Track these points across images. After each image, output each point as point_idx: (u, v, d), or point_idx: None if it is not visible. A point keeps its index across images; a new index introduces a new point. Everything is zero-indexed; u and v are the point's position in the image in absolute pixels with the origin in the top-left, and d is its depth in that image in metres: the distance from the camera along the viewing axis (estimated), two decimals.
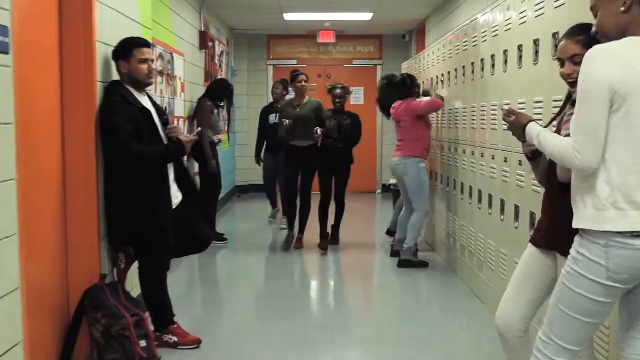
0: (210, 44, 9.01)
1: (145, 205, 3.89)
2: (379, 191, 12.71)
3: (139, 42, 4.05)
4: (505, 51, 4.66)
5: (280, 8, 9.61)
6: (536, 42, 4.04)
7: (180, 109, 7.47)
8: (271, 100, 9.23)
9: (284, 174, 7.71)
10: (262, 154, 8.94)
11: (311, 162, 7.23)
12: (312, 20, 10.78)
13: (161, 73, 6.51)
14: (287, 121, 7.01)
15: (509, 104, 4.19)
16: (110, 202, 3.95)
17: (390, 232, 7.81)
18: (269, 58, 12.62)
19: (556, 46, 3.03)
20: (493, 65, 4.99)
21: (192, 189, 4.31)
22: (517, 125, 2.61)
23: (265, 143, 8.84)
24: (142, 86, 4.04)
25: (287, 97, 8.51)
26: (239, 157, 12.13)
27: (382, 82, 7.43)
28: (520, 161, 4.28)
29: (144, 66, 3.98)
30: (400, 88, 6.67)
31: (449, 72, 6.63)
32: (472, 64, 5.62)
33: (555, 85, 3.73)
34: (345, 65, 12.70)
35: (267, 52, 12.62)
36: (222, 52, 10.60)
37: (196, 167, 7.96)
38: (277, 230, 8.47)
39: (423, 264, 6.52)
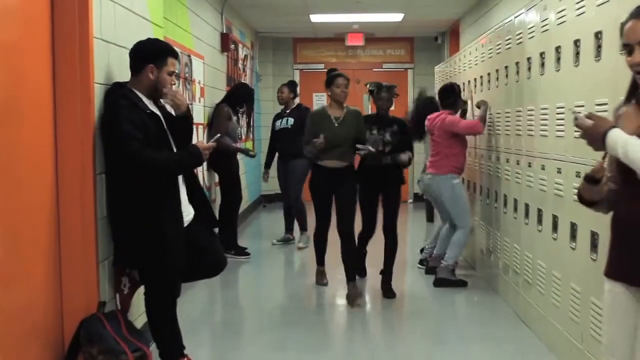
0: (232, 46, 8.57)
1: (153, 222, 3.42)
2: (411, 200, 12.17)
3: (174, 52, 3.67)
4: (558, 47, 4.12)
5: (306, 8, 9.14)
6: (598, 35, 3.50)
7: (200, 114, 7.02)
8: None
9: (312, 191, 5.73)
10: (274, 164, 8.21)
11: (348, 182, 5.56)
12: (340, 21, 10.30)
13: (177, 76, 6.06)
14: (320, 139, 5.29)
15: (579, 107, 3.56)
16: (113, 220, 3.50)
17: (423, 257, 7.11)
18: (295, 62, 12.18)
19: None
20: (542, 64, 4.45)
21: (203, 203, 3.82)
22: (596, 132, 2.09)
23: (276, 153, 8.14)
24: (157, 97, 3.60)
25: (296, 101, 7.94)
26: None
27: (417, 101, 6.94)
28: (578, 172, 3.73)
29: (170, 79, 3.57)
30: (442, 97, 6.15)
31: (488, 74, 6.10)
32: (517, 63, 5.08)
33: (624, 84, 3.20)
34: (374, 69, 12.20)
35: (293, 56, 12.17)
36: (245, 56, 10.17)
37: (216, 177, 7.52)
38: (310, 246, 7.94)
39: (461, 283, 5.98)
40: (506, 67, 5.42)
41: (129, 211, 3.42)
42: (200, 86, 7.04)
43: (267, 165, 8.27)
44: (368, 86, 6.07)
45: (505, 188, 5.45)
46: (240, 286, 6.57)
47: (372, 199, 5.84)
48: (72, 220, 3.34)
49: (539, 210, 4.51)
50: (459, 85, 6.25)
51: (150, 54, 3.53)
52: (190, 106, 6.48)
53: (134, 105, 3.38)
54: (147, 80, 3.49)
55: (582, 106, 3.52)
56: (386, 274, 5.90)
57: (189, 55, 6.56)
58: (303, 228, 7.90)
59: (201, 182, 7.00)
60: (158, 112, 3.56)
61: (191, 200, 3.73)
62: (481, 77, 6.34)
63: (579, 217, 3.77)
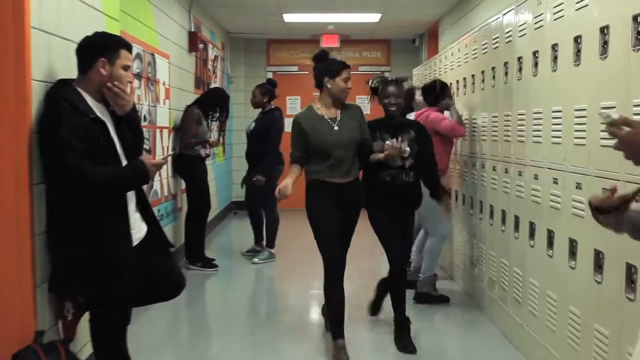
0: (201, 46, 8.11)
1: (98, 240, 2.97)
2: None
3: (127, 44, 3.17)
4: (555, 45, 3.74)
5: (278, 7, 8.73)
6: (604, 30, 3.13)
7: (164, 118, 6.56)
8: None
9: (314, 221, 4.43)
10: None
11: (357, 203, 4.44)
12: (315, 21, 9.90)
13: (138, 76, 5.61)
14: (280, 193, 4.26)
15: (606, 109, 3.14)
16: (53, 239, 3.04)
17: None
18: (268, 64, 11.75)
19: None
20: (535, 64, 4.08)
21: (152, 221, 3.35)
22: (636, 141, 1.68)
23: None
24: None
25: (271, 104, 7.37)
26: (236, 170, 11.22)
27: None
28: (579, 184, 3.36)
29: (126, 74, 3.10)
30: (424, 95, 5.77)
31: (472, 76, 5.74)
32: (505, 64, 4.71)
33: (637, 83, 2.83)
34: (350, 72, 11.74)
35: (266, 58, 11.75)
36: (216, 57, 9.72)
37: (182, 184, 7.07)
38: (279, 254, 7.49)
39: (443, 299, 5.59)
40: (493, 67, 5.05)
41: (69, 228, 2.97)
42: (166, 87, 6.59)
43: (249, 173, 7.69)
44: (370, 83, 4.84)
45: (491, 198, 5.08)
46: (207, 302, 6.12)
47: (395, 220, 4.65)
48: (5, 237, 2.89)
49: (531, 224, 4.13)
50: (444, 83, 5.83)
51: (99, 47, 3.08)
52: (153, 108, 6.14)
53: (74, 107, 2.92)
54: (97, 78, 3.04)
55: (613, 107, 3.07)
56: (402, 322, 4.62)
57: (153, 54, 6.11)
58: (269, 244, 7.41)
59: (166, 190, 6.55)
60: (104, 118, 3.09)
61: (142, 215, 3.28)
62: (464, 79, 5.98)
63: (579, 233, 3.40)
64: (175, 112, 6.93)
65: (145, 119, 5.82)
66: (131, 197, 3.17)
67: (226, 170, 10.71)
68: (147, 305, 3.81)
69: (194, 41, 7.72)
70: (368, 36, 11.40)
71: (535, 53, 4.08)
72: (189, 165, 6.79)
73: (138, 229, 3.18)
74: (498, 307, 4.86)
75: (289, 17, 9.47)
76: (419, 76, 8.78)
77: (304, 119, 4.33)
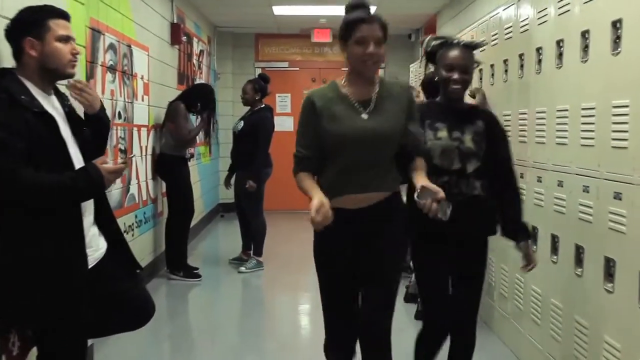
0: (184, 38, 7.58)
1: (44, 263, 2.45)
2: None
3: (56, 11, 2.61)
4: (585, 32, 3.25)
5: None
6: None
7: (143, 115, 6.03)
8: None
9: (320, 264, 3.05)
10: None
11: (396, 229, 2.82)
12: (306, 14, 9.38)
13: (112, 69, 5.09)
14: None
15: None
16: None
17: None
18: (256, 60, 11.22)
19: None
20: (560, 55, 3.59)
21: (116, 236, 2.83)
22: None
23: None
24: (57, 78, 2.62)
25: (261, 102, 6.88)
26: (223, 171, 10.65)
27: None
28: (618, 194, 2.87)
29: (66, 47, 2.56)
30: (432, 89, 5.18)
31: (479, 71, 5.25)
32: (521, 56, 4.23)
33: None
34: (342, 69, 11.14)
35: (254, 53, 11.21)
36: (201, 51, 9.19)
37: (163, 186, 6.55)
38: (266, 261, 6.97)
39: None
40: (505, 60, 4.57)
41: (10, 249, 2.44)
42: (144, 82, 6.06)
43: (230, 171, 7.14)
44: (425, 45, 3.20)
45: None
46: (189, 316, 5.60)
47: (453, 270, 3.11)
48: None
49: (554, 237, 3.64)
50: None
51: (21, 26, 2.53)
52: (130, 105, 5.61)
53: (14, 100, 2.40)
54: (32, 62, 2.52)
55: (625, 106, 2.63)
56: None
57: (129, 45, 5.58)
58: (256, 252, 6.89)
59: (145, 193, 6.03)
60: (55, 112, 2.57)
61: (102, 229, 2.76)
62: None
63: (618, 250, 2.91)
64: (155, 109, 6.41)
65: (120, 116, 5.29)
66: (88, 207, 2.65)
67: (212, 170, 10.18)
68: (109, 335, 3.29)
69: (177, 33, 7.20)
70: None
71: (559, 42, 3.59)
72: (170, 167, 6.28)
73: (95, 247, 2.66)
74: (511, 327, 4.37)
75: (278, 10, 8.96)
76: (417, 72, 8.30)
77: (321, 100, 2.81)
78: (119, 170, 2.55)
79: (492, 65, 4.87)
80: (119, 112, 5.27)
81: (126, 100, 5.47)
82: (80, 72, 4.19)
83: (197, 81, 8.81)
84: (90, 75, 4.57)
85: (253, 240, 6.90)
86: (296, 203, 11.39)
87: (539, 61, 3.91)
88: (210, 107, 6.52)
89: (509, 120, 4.42)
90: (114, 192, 5.11)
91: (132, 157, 3.27)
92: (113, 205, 5.11)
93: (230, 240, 8.05)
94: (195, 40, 8.70)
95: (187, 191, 6.43)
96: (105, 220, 2.74)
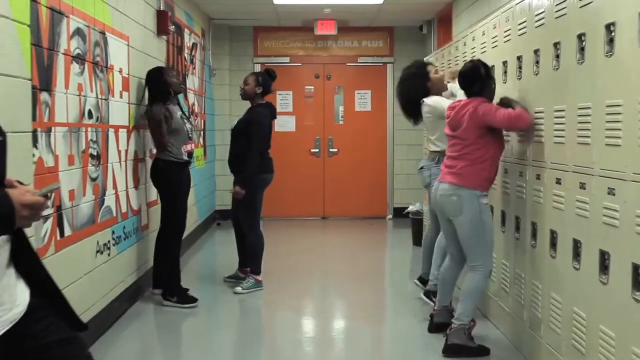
0: (172, 28, 6.75)
1: None
2: (390, 216, 10.47)
3: None
4: None
5: None
6: None
7: (121, 114, 5.21)
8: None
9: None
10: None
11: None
12: (308, 4, 8.57)
13: (80, 59, 4.26)
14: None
15: None
16: None
17: (424, 281, 5.57)
18: (255, 54, 10.38)
19: None
20: (610, 41, 2.82)
21: (46, 283, 1.99)
22: None
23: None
24: None
25: (261, 96, 6.03)
26: (219, 175, 9.87)
27: (408, 71, 5.37)
28: None
29: None
30: (465, 85, 4.38)
31: (503, 63, 4.59)
32: (557, 45, 3.49)
33: None
34: (348, 64, 10.46)
35: (253, 48, 10.37)
36: (194, 45, 8.36)
37: (150, 195, 5.74)
38: (266, 281, 6.14)
39: (482, 351, 4.26)
40: (536, 51, 3.83)
41: None
42: (123, 76, 5.24)
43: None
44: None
45: (539, 216, 3.85)
46: (180, 348, 4.75)
47: None
48: None
49: (603, 253, 2.91)
50: (486, 65, 4.40)
51: None
52: (104, 102, 4.78)
53: None
54: None
55: None
56: None
57: (103, 32, 4.75)
58: (253, 270, 6.04)
59: (125, 205, 5.21)
60: None
61: (26, 277, 1.92)
62: (493, 66, 4.67)
63: None
64: (134, 107, 5.58)
65: (90, 115, 4.47)
66: (1, 246, 1.82)
67: (207, 175, 9.35)
68: None
69: (164, 22, 6.37)
70: (369, 23, 10.07)
71: (610, 27, 2.81)
72: (165, 174, 5.42)
73: (11, 302, 1.83)
74: (497, 306, 3.57)
75: None
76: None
77: None
78: (38, 204, 1.72)
79: (519, 58, 4.23)
80: (89, 111, 4.44)
81: (99, 96, 4.65)
82: (26, 60, 3.37)
83: (190, 78, 8.00)
84: (48, 65, 3.75)
85: (250, 257, 6.08)
86: (295, 210, 10.71)
87: (582, 49, 3.19)
88: (162, 90, 5.56)
89: (542, 118, 3.82)
90: (82, 206, 4.28)
91: (56, 187, 2.44)
92: (83, 222, 4.30)
93: (227, 252, 7.22)
94: (186, 32, 7.88)
95: (184, 202, 5.58)
96: (30, 267, 1.91)
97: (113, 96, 4.97)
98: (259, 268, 6.03)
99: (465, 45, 5.90)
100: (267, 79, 6.07)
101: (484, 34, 5.26)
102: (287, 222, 10.13)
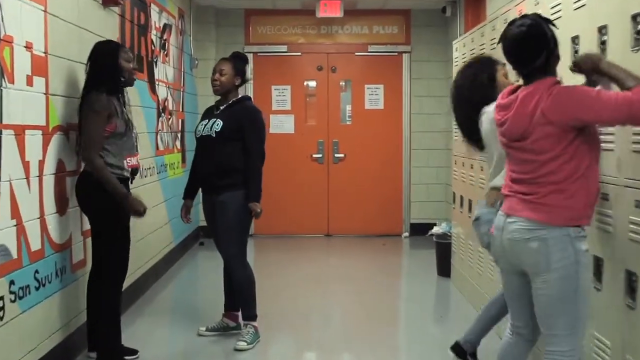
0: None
1: None
2: (406, 234, 8.88)
3: None
4: None
5: None
6: None
7: (30, 109, 3.63)
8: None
9: None
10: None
11: None
12: None
13: None
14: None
15: None
16: None
17: (461, 350, 3.93)
18: (247, 42, 8.79)
19: None
20: None
21: None
22: None
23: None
24: None
25: (241, 92, 4.74)
26: None
27: (468, 71, 3.69)
28: None
29: None
30: (532, 49, 2.73)
31: (573, 39, 3.20)
32: (635, 17, 2.03)
33: None
34: (357, 53, 8.90)
35: (244, 34, 8.81)
36: (166, 26, 6.78)
37: (83, 224, 4.18)
38: (260, 326, 4.55)
39: None
40: (636, 16, 2.30)
41: None
42: (34, 54, 3.65)
43: (187, 193, 4.88)
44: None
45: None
46: None
47: None
48: None
49: None
50: (549, 20, 2.76)
51: None
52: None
53: None
54: None
55: None
56: None
57: None
58: (248, 315, 4.57)
59: (37, 241, 3.61)
60: None
61: None
62: None
63: None
64: (60, 99, 4.00)
65: None
66: None
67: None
68: None
69: None
70: (381, 5, 8.54)
71: None
72: (97, 193, 3.88)
73: None
74: None
75: None
76: (464, 50, 5.94)
77: None
78: None
79: (602, 29, 2.94)
80: None
81: None
82: None
83: (160, 67, 6.44)
84: None
85: (241, 299, 4.62)
86: (294, 226, 9.05)
87: None
88: (113, 76, 3.94)
89: None
90: None
91: None
92: None
93: (213, 282, 5.60)
94: (155, 8, 6.29)
95: (125, 233, 4.04)
96: None
97: (13, 82, 3.37)
98: (254, 311, 4.58)
99: (506, 23, 4.42)
100: (242, 65, 4.66)
101: (536, 4, 3.85)
102: (283, 240, 8.56)
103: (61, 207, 3.98)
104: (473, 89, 3.50)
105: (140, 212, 3.96)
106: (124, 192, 3.87)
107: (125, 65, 3.98)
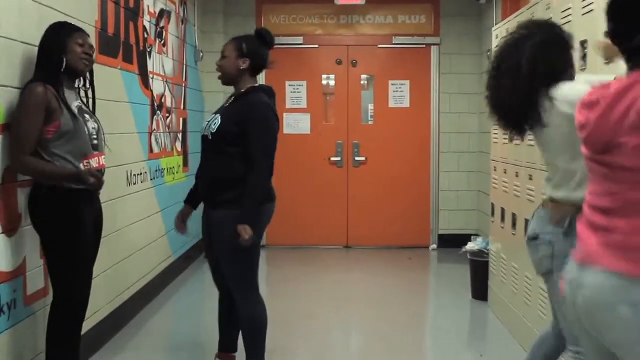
0: None
1: None
2: (434, 246, 8.07)
3: None
4: None
5: None
6: None
7: None
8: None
9: None
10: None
11: None
12: None
13: None
14: None
15: None
16: None
17: None
18: None
19: None
20: None
21: None
22: None
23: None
24: None
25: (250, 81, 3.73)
26: None
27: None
28: None
29: None
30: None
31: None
32: None
33: None
34: (380, 45, 8.13)
35: (255, 25, 8.01)
36: (163, 12, 6.01)
37: (32, 248, 3.41)
38: None
39: None
40: None
41: None
42: None
43: (189, 198, 4.02)
44: None
45: None
46: None
47: None
48: None
49: None
50: None
51: None
52: None
53: None
54: None
55: None
56: None
57: None
58: (255, 356, 3.71)
59: None
60: None
61: None
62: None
63: None
64: (9, 91, 3.22)
65: None
66: None
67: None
68: None
69: None
70: None
71: None
72: (48, 209, 3.12)
73: None
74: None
75: None
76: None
77: None
78: None
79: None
80: None
81: None
82: None
83: (155, 58, 5.67)
84: None
85: (247, 339, 3.75)
86: (310, 236, 8.15)
87: None
88: (52, 62, 3.19)
89: None
90: None
91: None
92: None
93: (217, 303, 4.76)
94: None
95: (85, 259, 3.27)
96: None
97: None
98: (262, 355, 3.71)
99: (548, 8, 3.94)
100: (256, 44, 3.74)
101: None
102: (297, 252, 7.79)
103: (10, 224, 3.19)
104: (540, 64, 2.62)
105: (98, 178, 3.18)
106: (70, 171, 3.10)
107: (75, 49, 3.17)
